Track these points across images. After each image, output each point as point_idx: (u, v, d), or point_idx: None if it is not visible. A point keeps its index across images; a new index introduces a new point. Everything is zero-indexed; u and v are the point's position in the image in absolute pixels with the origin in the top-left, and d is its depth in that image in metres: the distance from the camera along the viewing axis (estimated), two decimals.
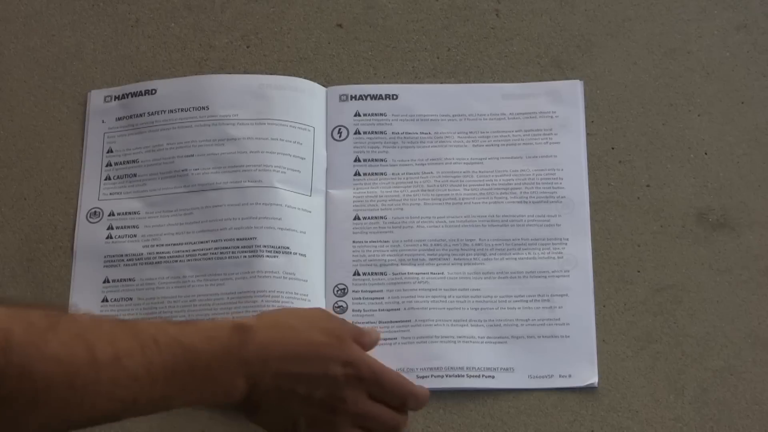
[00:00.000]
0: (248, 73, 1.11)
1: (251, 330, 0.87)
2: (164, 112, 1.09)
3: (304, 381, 0.88)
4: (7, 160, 1.10)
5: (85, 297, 1.03)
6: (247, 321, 0.89)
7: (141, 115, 1.09)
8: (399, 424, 0.93)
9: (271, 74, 1.11)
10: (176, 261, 1.03)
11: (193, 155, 1.07)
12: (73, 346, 0.76)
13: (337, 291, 1.03)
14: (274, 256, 1.03)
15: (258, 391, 0.87)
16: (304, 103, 1.09)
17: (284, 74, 1.11)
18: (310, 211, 1.05)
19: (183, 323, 0.87)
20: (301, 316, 0.96)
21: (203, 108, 1.08)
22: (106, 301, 1.03)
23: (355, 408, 0.90)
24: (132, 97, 1.10)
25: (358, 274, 1.03)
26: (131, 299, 1.03)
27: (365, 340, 0.94)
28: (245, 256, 1.03)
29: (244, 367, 0.86)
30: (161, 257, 1.04)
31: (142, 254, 1.04)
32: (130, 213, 1.06)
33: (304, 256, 1.03)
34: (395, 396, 0.92)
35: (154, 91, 1.10)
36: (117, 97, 1.10)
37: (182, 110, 1.09)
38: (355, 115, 1.09)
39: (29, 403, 0.75)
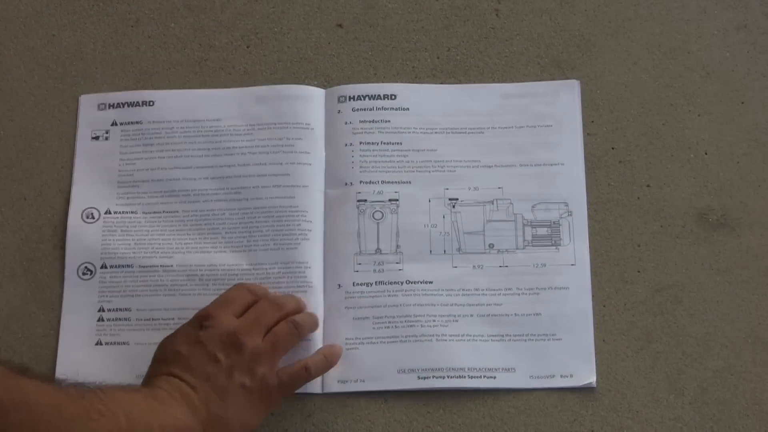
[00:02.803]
0: (248, 74, 1.11)
1: None
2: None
3: (194, 366, 0.92)
4: (7, 160, 1.10)
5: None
6: None
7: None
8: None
9: (270, 74, 1.11)
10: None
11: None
12: None
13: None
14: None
15: (201, 409, 0.90)
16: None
17: (284, 74, 1.11)
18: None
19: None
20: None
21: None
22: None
23: (228, 324, 0.94)
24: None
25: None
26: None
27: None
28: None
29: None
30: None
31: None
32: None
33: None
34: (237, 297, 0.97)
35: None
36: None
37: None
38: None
39: None
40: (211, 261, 1.04)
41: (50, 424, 0.77)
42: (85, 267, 1.04)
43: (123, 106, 1.10)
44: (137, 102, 1.10)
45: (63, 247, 1.05)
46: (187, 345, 0.92)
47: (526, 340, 1.00)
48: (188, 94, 1.11)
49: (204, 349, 0.92)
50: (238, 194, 1.06)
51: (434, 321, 1.01)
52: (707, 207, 1.05)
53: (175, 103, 1.10)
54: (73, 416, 0.79)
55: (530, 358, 1.00)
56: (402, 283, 1.03)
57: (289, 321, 0.97)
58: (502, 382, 0.99)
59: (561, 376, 0.99)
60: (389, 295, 1.02)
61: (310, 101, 1.09)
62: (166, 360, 0.92)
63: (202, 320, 0.94)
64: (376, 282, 1.03)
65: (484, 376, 1.00)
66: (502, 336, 1.01)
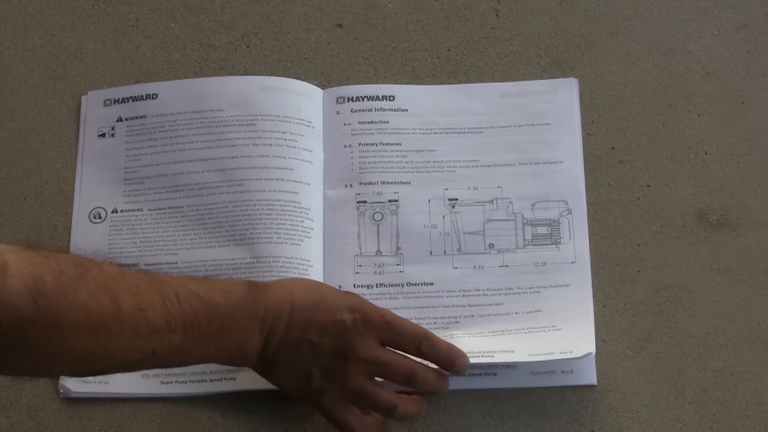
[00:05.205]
0: (248, 74, 1.11)
1: (265, 287, 0.90)
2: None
3: (313, 328, 0.90)
4: (7, 160, 1.10)
5: None
6: (262, 281, 0.91)
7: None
8: (413, 369, 0.93)
9: (270, 75, 1.11)
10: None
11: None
12: (99, 296, 0.77)
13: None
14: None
15: (271, 346, 0.89)
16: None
17: (284, 74, 1.11)
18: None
19: (202, 279, 0.88)
20: (309, 279, 0.99)
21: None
22: None
23: (365, 354, 0.91)
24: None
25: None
26: None
27: None
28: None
29: (258, 322, 0.88)
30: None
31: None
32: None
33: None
34: (407, 337, 0.93)
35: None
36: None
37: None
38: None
39: (55, 351, 0.76)
40: (215, 255, 1.04)
41: (116, 281, 0.80)
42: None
43: (128, 101, 1.10)
44: (141, 96, 1.10)
45: (64, 247, 1.05)
46: (330, 317, 0.91)
47: (526, 332, 1.00)
48: (191, 84, 1.11)
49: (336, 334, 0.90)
50: (241, 186, 1.06)
51: (435, 323, 1.01)
52: (707, 207, 1.05)
53: (178, 94, 1.10)
54: (138, 275, 0.82)
55: (529, 343, 0.98)
56: (403, 285, 1.03)
57: (394, 401, 0.93)
58: (500, 358, 0.97)
59: (560, 353, 0.97)
60: (390, 298, 1.02)
61: (311, 99, 1.10)
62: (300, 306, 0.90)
63: (360, 316, 0.91)
64: (376, 284, 1.03)
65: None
66: (503, 331, 1.00)
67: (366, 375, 0.92)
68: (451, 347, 0.94)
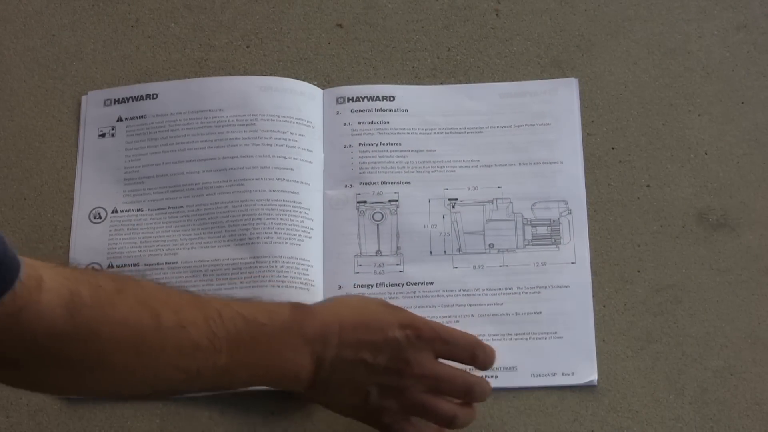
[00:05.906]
0: (248, 74, 1.11)
1: (312, 310, 0.89)
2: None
3: (366, 348, 0.89)
4: (7, 160, 1.10)
5: None
6: (307, 304, 0.90)
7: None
8: (471, 384, 0.92)
9: (270, 75, 1.11)
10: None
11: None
12: (139, 311, 0.76)
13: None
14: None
15: (324, 367, 0.88)
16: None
17: (284, 74, 1.11)
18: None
19: (245, 300, 0.87)
20: (355, 297, 0.98)
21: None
22: None
23: (421, 369, 0.90)
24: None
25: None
26: None
27: None
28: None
29: (308, 344, 0.87)
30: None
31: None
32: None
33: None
34: (461, 348, 0.92)
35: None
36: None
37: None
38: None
39: (94, 366, 0.75)
40: (215, 255, 1.04)
41: (157, 297, 0.79)
42: (92, 268, 1.03)
43: (128, 101, 1.10)
44: (141, 96, 1.10)
45: (64, 247, 1.05)
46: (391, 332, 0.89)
47: (527, 339, 1.00)
48: (191, 84, 1.11)
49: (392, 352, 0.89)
50: (241, 186, 1.05)
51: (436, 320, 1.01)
52: (707, 207, 1.05)
53: (178, 95, 1.10)
54: (179, 293, 0.82)
55: (531, 357, 1.00)
56: (403, 284, 1.03)
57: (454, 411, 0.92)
58: (504, 381, 0.99)
59: (563, 374, 0.99)
60: (390, 297, 1.02)
61: (311, 99, 1.10)
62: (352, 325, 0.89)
63: (414, 332, 0.90)
64: (377, 284, 1.03)
65: (486, 376, 0.99)
66: (503, 335, 1.01)
67: (424, 388, 0.91)
68: (490, 348, 0.94)
